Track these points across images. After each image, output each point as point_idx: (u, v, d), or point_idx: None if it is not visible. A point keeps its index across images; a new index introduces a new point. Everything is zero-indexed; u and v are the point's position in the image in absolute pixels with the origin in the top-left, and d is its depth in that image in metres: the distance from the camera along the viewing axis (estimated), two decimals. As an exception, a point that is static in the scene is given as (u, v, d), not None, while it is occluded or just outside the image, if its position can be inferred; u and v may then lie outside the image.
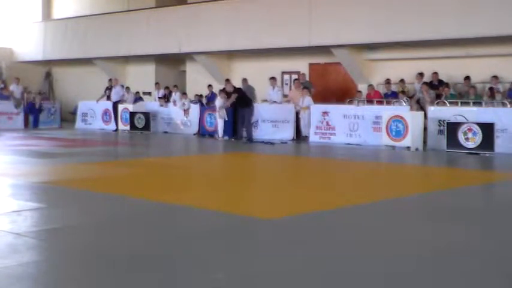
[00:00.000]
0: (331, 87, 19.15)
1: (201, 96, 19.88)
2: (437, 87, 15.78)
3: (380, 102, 16.00)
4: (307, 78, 18.91)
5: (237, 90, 16.78)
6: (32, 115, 21.98)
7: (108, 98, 21.56)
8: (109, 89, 21.74)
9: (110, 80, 22.08)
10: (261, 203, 7.36)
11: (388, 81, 16.99)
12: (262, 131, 16.78)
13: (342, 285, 4.09)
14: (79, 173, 9.86)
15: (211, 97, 19.12)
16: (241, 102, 16.58)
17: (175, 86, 20.75)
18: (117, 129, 20.47)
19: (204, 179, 9.44)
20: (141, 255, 4.72)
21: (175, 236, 5.45)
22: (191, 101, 19.54)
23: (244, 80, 18.57)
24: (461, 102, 14.41)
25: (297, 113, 16.82)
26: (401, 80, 16.78)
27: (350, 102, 16.23)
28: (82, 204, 7.07)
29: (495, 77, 15.33)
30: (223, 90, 17.54)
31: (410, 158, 12.85)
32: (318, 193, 8.06)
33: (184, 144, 16.72)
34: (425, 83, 15.88)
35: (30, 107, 21.95)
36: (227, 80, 18.53)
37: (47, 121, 22.50)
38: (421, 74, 16.51)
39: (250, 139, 16.20)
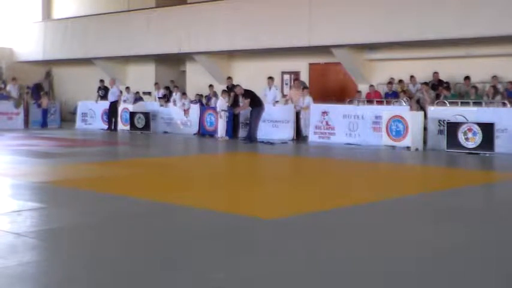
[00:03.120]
0: (331, 87, 19.14)
1: (201, 96, 19.91)
2: (437, 88, 15.78)
3: (380, 102, 16.00)
4: (305, 79, 18.90)
5: (248, 93, 16.60)
6: (40, 115, 22.41)
7: (102, 97, 21.68)
8: (101, 89, 21.86)
9: (101, 80, 22.22)
10: (261, 203, 7.36)
11: (390, 82, 16.96)
12: (262, 131, 16.76)
13: (342, 285, 4.09)
14: (79, 173, 9.86)
15: (208, 97, 19.20)
16: (252, 103, 16.46)
17: (175, 86, 20.77)
18: (109, 129, 20.46)
19: (204, 179, 9.44)
20: (141, 255, 4.72)
21: (175, 236, 5.45)
22: (191, 101, 19.55)
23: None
24: (461, 102, 14.41)
25: (297, 113, 16.82)
26: (400, 81, 16.79)
27: (350, 102, 16.24)
28: (82, 204, 7.07)
29: (495, 77, 15.34)
30: (225, 91, 17.52)
31: (410, 158, 12.84)
32: (318, 193, 8.06)
33: (184, 144, 16.71)
34: (425, 83, 15.89)
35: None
36: (229, 78, 18.45)
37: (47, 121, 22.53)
38: (412, 77, 16.53)
39: (251, 138, 16.16)
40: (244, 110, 16.82)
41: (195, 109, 19.02)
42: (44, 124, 22.18)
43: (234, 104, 17.08)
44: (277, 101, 17.34)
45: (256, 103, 16.38)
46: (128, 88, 21.59)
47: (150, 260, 4.54)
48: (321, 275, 4.26)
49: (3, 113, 21.20)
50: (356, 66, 18.18)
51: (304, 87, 17.16)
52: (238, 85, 17.09)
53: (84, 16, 24.91)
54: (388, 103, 15.74)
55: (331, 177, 10.13)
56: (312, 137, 16.22)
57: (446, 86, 15.70)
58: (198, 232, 5.60)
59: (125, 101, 20.86)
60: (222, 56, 21.39)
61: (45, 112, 22.43)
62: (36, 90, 24.35)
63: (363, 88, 17.59)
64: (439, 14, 15.73)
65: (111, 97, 20.67)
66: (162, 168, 10.76)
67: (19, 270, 4.29)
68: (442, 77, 16.28)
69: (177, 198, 7.30)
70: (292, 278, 4.21)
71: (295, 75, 18.52)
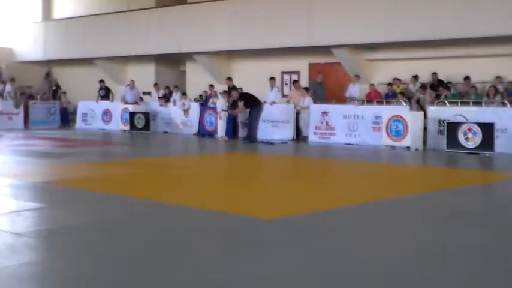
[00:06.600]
0: (331, 87, 19.13)
1: (201, 96, 19.97)
2: (437, 88, 15.77)
3: (380, 102, 16.00)
4: (305, 79, 18.93)
5: (243, 96, 16.62)
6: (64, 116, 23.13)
7: (103, 98, 21.77)
8: (102, 89, 22.01)
9: (102, 80, 22.40)
10: (261, 203, 7.36)
11: (391, 83, 16.92)
12: (262, 131, 16.77)
13: (342, 285, 4.09)
14: (79, 173, 9.86)
15: (209, 97, 19.22)
16: (250, 103, 16.46)
17: (176, 86, 20.77)
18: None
19: (204, 179, 9.43)
20: (141, 256, 4.72)
21: (175, 236, 5.45)
22: (194, 99, 19.62)
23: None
24: (461, 102, 14.41)
25: (297, 113, 16.83)
26: (398, 79, 16.76)
27: (351, 102, 16.23)
28: (82, 204, 7.07)
29: (498, 77, 15.34)
30: (225, 91, 17.52)
31: (410, 158, 12.84)
32: (317, 193, 8.06)
33: (184, 144, 16.72)
34: (424, 85, 15.87)
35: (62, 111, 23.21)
36: (229, 79, 18.42)
37: (47, 121, 22.54)
38: (415, 77, 16.50)
39: (251, 139, 16.16)
40: (239, 113, 16.83)
41: (195, 109, 19.02)
42: (66, 122, 22.80)
43: (234, 105, 17.07)
44: (275, 102, 17.31)
45: (254, 103, 16.38)
46: (128, 86, 21.58)
47: (150, 260, 4.53)
48: (321, 275, 4.26)
49: (3, 113, 21.22)
50: (356, 66, 18.17)
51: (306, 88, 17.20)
52: (233, 89, 17.10)
53: (84, 16, 24.90)
54: (388, 103, 15.73)
55: (331, 177, 10.14)
56: (312, 137, 16.22)
57: (448, 85, 15.66)
58: (197, 232, 5.60)
59: (124, 101, 20.91)
60: (222, 56, 21.39)
61: (65, 110, 23.07)
62: (55, 91, 24.47)
63: (363, 88, 17.56)
64: (439, 14, 15.73)
65: (132, 98, 20.62)
66: (162, 168, 10.76)
67: (19, 270, 4.29)
68: (442, 77, 16.28)
69: (176, 199, 7.30)
70: (292, 278, 4.21)
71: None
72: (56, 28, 26.09)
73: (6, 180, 8.65)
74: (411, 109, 14.60)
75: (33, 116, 22.27)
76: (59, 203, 7.14)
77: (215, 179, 9.62)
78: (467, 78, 15.62)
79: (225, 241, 5.24)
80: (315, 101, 16.88)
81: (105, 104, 21.70)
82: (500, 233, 5.71)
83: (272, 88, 17.64)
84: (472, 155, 12.77)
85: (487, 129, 12.78)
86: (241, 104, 16.31)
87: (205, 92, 19.93)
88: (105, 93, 22.22)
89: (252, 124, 16.37)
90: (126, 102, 20.62)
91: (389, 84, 16.91)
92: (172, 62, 23.64)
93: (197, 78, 21.73)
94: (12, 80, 22.71)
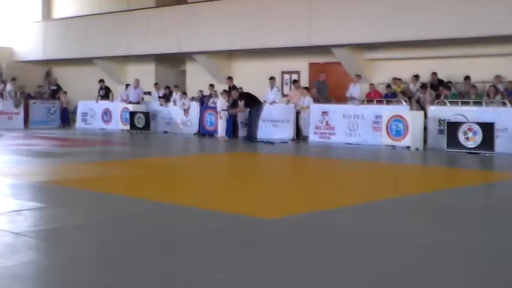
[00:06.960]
0: (331, 87, 19.13)
1: (202, 91, 20.00)
2: (437, 87, 15.78)
3: (380, 102, 16.00)
4: (305, 79, 18.90)
5: (243, 95, 16.63)
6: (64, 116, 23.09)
7: (102, 97, 21.78)
8: (102, 88, 22.08)
9: (102, 80, 22.50)
10: (261, 203, 7.36)
11: (389, 85, 16.91)
12: (262, 131, 16.76)
13: (341, 285, 4.09)
14: (79, 173, 9.86)
15: (209, 97, 19.22)
16: (249, 103, 16.46)
17: (176, 86, 20.76)
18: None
19: (204, 179, 9.43)
20: (141, 255, 4.72)
21: (175, 236, 5.45)
22: (193, 98, 19.59)
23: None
24: (461, 101, 14.41)
25: (297, 113, 16.82)
26: (399, 79, 16.74)
27: (351, 100, 16.22)
28: (82, 204, 7.07)
29: (498, 77, 15.33)
30: (226, 91, 17.51)
31: (411, 157, 12.84)
32: (318, 193, 8.06)
33: (184, 144, 16.71)
34: (424, 84, 15.86)
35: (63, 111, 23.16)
36: (229, 78, 18.43)
37: (47, 121, 22.54)
38: (416, 76, 16.49)
39: (251, 138, 16.15)
40: (239, 112, 16.82)
41: (195, 109, 19.02)
42: (66, 122, 22.80)
43: (234, 105, 17.07)
44: (275, 102, 17.31)
45: (254, 103, 16.38)
46: (128, 85, 21.56)
47: (150, 260, 4.53)
48: (321, 275, 4.26)
49: (3, 112, 21.23)
50: (356, 66, 18.17)
51: (305, 87, 17.21)
52: (233, 89, 17.09)
53: (84, 16, 24.90)
54: (388, 103, 15.73)
55: (331, 177, 10.13)
56: (312, 137, 16.22)
57: (448, 85, 15.66)
58: (197, 232, 5.60)
59: (124, 100, 20.89)
60: (222, 56, 21.39)
61: (65, 110, 22.98)
62: (55, 91, 24.55)
63: (363, 88, 17.56)
64: (439, 14, 15.73)
65: (135, 98, 20.62)
66: (162, 168, 10.76)
67: (19, 270, 4.29)
68: (442, 76, 16.28)
69: (177, 198, 7.31)
70: (291, 278, 4.21)
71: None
72: (56, 28, 26.09)
73: (6, 180, 8.65)
74: (411, 109, 14.60)
75: (33, 116, 22.28)
76: (59, 203, 7.14)
77: (215, 178, 9.61)
78: (467, 77, 15.61)
79: (225, 241, 5.24)
80: (318, 100, 16.88)
81: (105, 104, 21.70)
82: (500, 233, 5.71)
83: (272, 88, 17.63)
84: (472, 154, 12.77)
85: (487, 128, 12.78)
86: (241, 103, 16.31)
87: (201, 91, 19.91)
88: (105, 93, 22.22)
89: (252, 124, 16.36)
90: (130, 102, 20.61)
91: (388, 86, 16.90)
92: (172, 62, 23.64)
93: (197, 78, 21.72)
94: (13, 79, 22.71)
